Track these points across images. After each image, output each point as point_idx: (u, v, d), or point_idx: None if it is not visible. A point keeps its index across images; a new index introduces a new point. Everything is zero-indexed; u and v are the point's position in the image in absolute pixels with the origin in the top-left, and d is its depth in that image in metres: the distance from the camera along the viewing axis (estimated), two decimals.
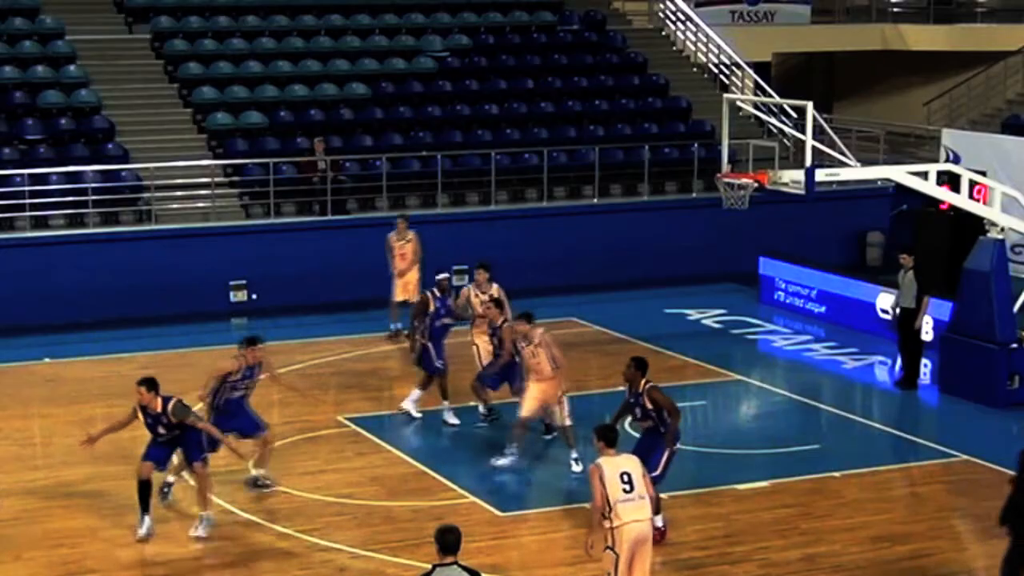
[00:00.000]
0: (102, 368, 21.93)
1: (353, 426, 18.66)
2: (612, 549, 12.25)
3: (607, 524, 12.22)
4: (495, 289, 19.05)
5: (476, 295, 19.01)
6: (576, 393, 20.43)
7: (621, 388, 20.86)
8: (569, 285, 26.64)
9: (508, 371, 18.12)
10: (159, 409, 14.87)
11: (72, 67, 28.26)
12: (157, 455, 15.18)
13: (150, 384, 14.94)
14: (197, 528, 15.17)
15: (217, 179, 26.48)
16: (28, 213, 24.79)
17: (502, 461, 17.10)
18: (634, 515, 12.22)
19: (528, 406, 17.04)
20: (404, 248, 23.20)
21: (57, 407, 19.83)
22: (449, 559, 10.25)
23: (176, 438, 15.11)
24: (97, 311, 24.27)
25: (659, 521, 14.09)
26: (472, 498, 16.21)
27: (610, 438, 12.68)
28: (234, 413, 15.97)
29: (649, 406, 14.70)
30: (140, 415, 15.04)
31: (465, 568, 10.25)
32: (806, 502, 16.15)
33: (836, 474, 16.94)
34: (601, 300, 26.18)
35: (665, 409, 14.68)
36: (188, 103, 28.53)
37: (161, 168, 25.95)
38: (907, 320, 20.70)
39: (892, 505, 16.26)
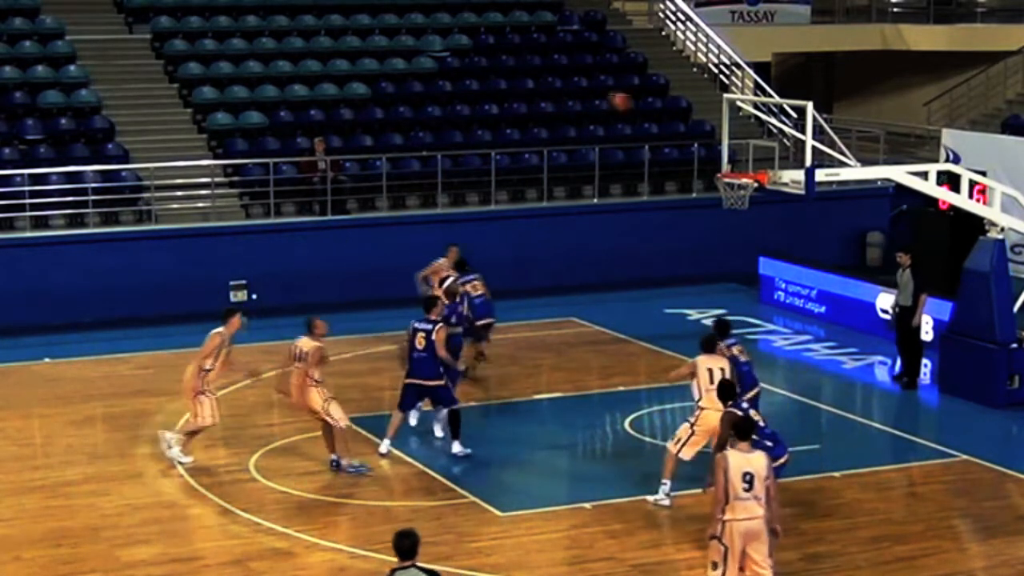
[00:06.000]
0: (102, 368, 21.92)
1: (353, 426, 18.63)
2: (720, 540, 12.36)
3: (721, 516, 12.32)
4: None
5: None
6: (576, 393, 20.55)
7: (621, 388, 21.08)
8: (569, 285, 26.61)
9: None
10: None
11: (72, 67, 28.24)
12: None
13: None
14: None
15: (217, 179, 26.46)
16: (28, 213, 24.77)
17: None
18: (746, 513, 12.30)
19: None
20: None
21: (57, 407, 19.79)
22: (407, 563, 10.23)
23: None
24: (97, 311, 24.24)
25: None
26: (472, 498, 16.18)
27: (742, 429, 12.57)
28: None
29: None
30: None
31: (423, 569, 10.23)
32: (806, 502, 16.13)
33: (836, 474, 16.92)
34: (601, 300, 26.14)
35: None
36: (188, 103, 28.52)
37: (161, 168, 25.93)
38: (905, 318, 20.72)
39: (892, 505, 16.25)
